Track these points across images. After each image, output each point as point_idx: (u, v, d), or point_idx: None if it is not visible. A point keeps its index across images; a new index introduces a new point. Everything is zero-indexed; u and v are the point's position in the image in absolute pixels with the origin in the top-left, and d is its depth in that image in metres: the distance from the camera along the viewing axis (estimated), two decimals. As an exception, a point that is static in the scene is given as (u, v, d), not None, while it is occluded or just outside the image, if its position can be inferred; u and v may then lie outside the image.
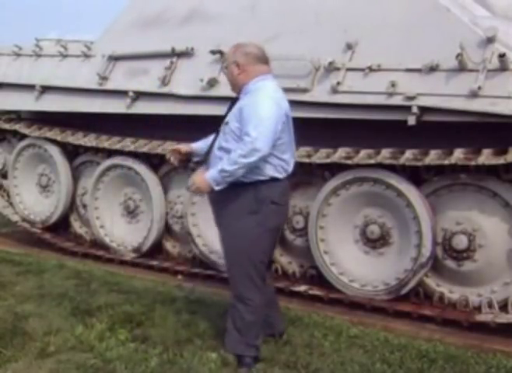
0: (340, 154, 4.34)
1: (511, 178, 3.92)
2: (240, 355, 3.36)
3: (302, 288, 4.55)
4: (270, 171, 3.26)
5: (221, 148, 3.33)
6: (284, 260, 4.77)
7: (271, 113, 3.16)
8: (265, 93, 3.23)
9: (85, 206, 5.89)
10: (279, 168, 3.30)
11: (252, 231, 3.27)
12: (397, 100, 4.07)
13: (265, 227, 3.29)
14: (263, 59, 3.36)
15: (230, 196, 3.28)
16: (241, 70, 3.32)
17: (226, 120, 3.35)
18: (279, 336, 3.68)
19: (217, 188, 3.21)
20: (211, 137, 3.50)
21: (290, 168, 3.40)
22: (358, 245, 4.42)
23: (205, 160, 3.47)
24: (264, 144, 3.12)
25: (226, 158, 3.19)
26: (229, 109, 3.41)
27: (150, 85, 5.25)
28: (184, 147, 3.65)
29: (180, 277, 5.15)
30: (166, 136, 5.31)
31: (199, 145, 3.61)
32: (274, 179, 3.28)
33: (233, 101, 3.43)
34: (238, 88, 3.40)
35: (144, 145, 5.38)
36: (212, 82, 4.87)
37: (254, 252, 3.30)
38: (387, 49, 4.21)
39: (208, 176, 3.24)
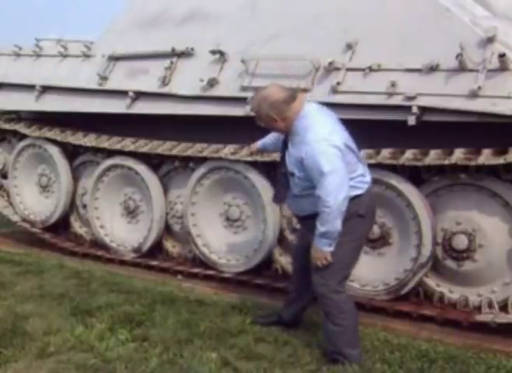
0: (340, 154, 4.33)
1: (511, 178, 3.92)
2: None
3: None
4: (350, 192, 3.26)
5: (296, 196, 3.43)
6: (284, 260, 4.76)
7: (333, 165, 3.16)
8: (318, 137, 3.20)
9: (85, 206, 5.88)
10: (358, 184, 3.34)
11: (339, 241, 3.29)
12: (397, 100, 4.07)
13: (349, 237, 3.33)
14: (291, 97, 3.32)
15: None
16: (280, 120, 3.32)
17: (290, 170, 3.37)
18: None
19: (331, 247, 3.27)
20: (269, 137, 3.79)
21: (368, 177, 3.45)
22: (358, 245, 4.42)
23: (280, 201, 3.72)
24: (340, 195, 3.17)
25: (318, 222, 3.23)
26: (283, 151, 3.45)
27: (150, 85, 5.24)
28: (257, 146, 3.91)
29: (180, 277, 5.15)
30: (166, 136, 5.32)
31: (265, 142, 3.84)
32: (357, 196, 3.31)
33: (284, 141, 3.47)
34: (285, 132, 3.44)
35: (144, 145, 5.38)
36: (212, 82, 4.87)
37: (342, 261, 3.35)
38: (387, 49, 4.20)
39: (318, 247, 3.30)
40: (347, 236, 3.29)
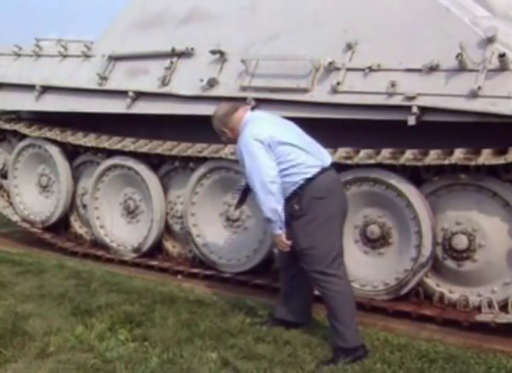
0: (340, 154, 4.34)
1: (511, 178, 3.92)
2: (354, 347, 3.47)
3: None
4: (297, 178, 3.49)
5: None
6: (284, 260, 4.76)
7: (253, 153, 3.49)
8: (245, 139, 3.55)
9: (85, 206, 5.89)
10: (303, 169, 3.51)
11: (309, 227, 3.48)
12: (397, 100, 4.07)
13: (317, 221, 3.48)
14: (232, 109, 3.73)
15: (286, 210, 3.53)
16: (228, 131, 3.72)
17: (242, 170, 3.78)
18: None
19: (281, 230, 3.53)
20: None
21: (317, 162, 3.56)
22: (358, 245, 4.41)
23: (239, 203, 4.03)
24: (263, 178, 3.45)
25: (259, 210, 3.60)
26: None
27: (150, 85, 5.25)
28: None
29: (180, 277, 5.15)
30: (166, 136, 5.32)
31: None
32: (308, 180, 3.49)
33: None
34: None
35: (144, 145, 5.38)
36: (212, 82, 4.87)
37: (321, 245, 3.50)
38: (387, 49, 4.21)
39: (271, 234, 3.65)
40: (315, 221, 3.48)
